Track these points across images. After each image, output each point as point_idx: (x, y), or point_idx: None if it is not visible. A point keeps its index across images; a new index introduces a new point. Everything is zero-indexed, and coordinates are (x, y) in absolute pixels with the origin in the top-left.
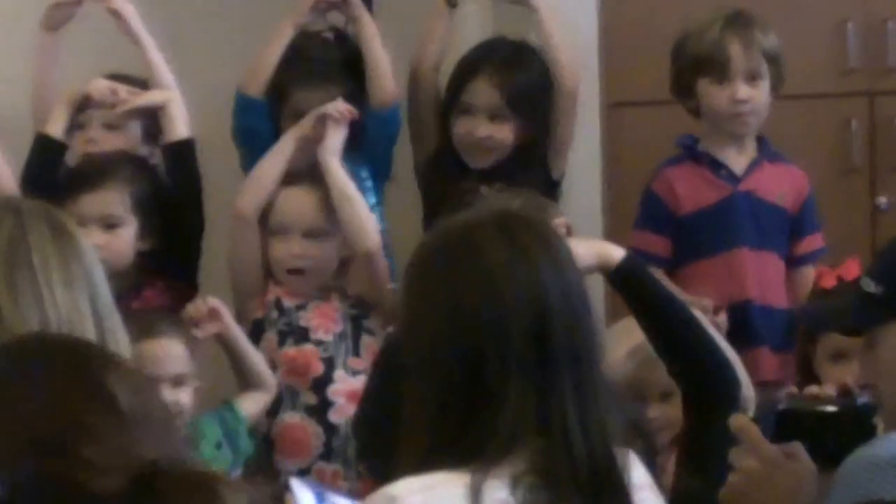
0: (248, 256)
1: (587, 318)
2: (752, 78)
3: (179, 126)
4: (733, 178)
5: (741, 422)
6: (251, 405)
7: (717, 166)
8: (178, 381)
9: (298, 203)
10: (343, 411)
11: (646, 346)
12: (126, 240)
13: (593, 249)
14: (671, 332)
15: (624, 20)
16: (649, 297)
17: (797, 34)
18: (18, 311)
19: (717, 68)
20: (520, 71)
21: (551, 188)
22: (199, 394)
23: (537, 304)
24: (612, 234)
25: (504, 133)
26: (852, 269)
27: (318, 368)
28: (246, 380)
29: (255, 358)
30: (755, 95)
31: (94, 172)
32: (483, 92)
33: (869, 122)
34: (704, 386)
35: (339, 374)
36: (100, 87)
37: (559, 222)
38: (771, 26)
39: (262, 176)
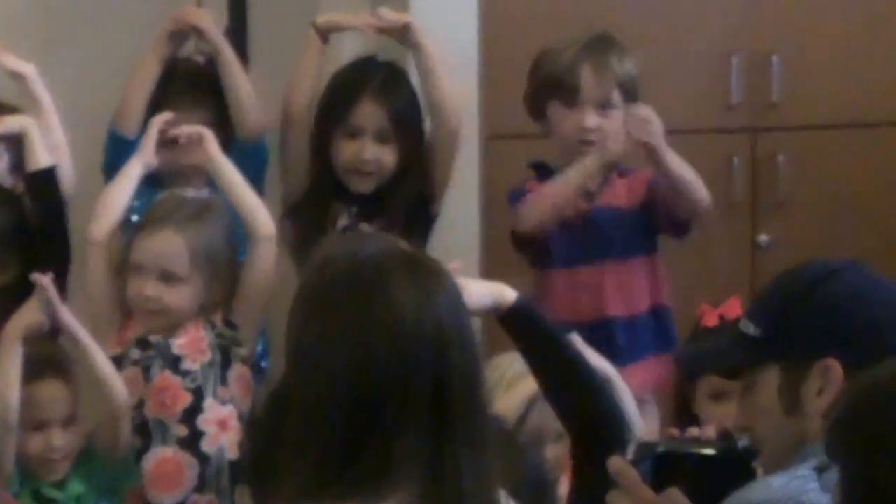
0: (98, 285)
1: (479, 362)
2: (602, 106)
3: (40, 154)
4: (589, 196)
5: (618, 464)
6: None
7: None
8: (67, 423)
9: (158, 245)
10: (215, 441)
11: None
12: None
13: (489, 290)
14: (561, 375)
15: (504, 53)
16: (540, 339)
17: (680, 68)
18: None
19: (567, 93)
20: (400, 91)
21: (428, 224)
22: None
23: (440, 349)
24: (490, 267)
25: (389, 156)
26: (734, 308)
27: (186, 399)
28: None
29: (105, 368)
30: (605, 124)
31: None
32: (371, 113)
33: (751, 159)
34: (593, 429)
35: (208, 402)
36: None
37: (453, 267)
38: (630, 54)
39: (111, 201)
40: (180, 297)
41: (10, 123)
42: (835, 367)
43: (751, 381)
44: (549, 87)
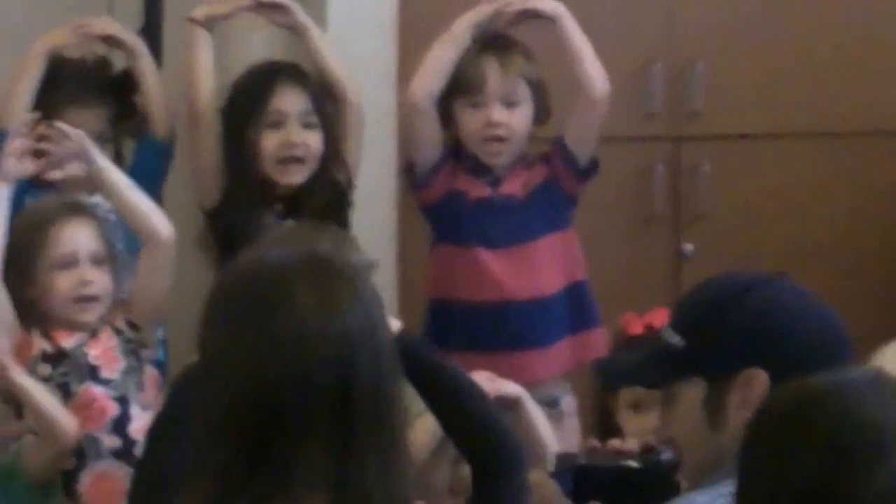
0: None
1: (393, 377)
2: (508, 103)
3: None
4: (493, 182)
5: (538, 477)
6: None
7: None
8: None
9: (78, 232)
10: None
11: None
12: None
13: None
14: (450, 405)
15: (423, 25)
16: (425, 371)
17: None
18: None
19: (472, 89)
20: (311, 78)
21: (345, 210)
22: None
23: (345, 358)
24: (406, 255)
25: (316, 142)
26: (660, 317)
27: (113, 409)
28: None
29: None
30: (511, 121)
31: None
32: (293, 97)
33: (673, 168)
34: (487, 456)
35: (134, 411)
36: None
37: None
38: (534, 55)
39: None
40: (109, 280)
41: None
42: (759, 377)
43: (673, 391)
44: (454, 87)
